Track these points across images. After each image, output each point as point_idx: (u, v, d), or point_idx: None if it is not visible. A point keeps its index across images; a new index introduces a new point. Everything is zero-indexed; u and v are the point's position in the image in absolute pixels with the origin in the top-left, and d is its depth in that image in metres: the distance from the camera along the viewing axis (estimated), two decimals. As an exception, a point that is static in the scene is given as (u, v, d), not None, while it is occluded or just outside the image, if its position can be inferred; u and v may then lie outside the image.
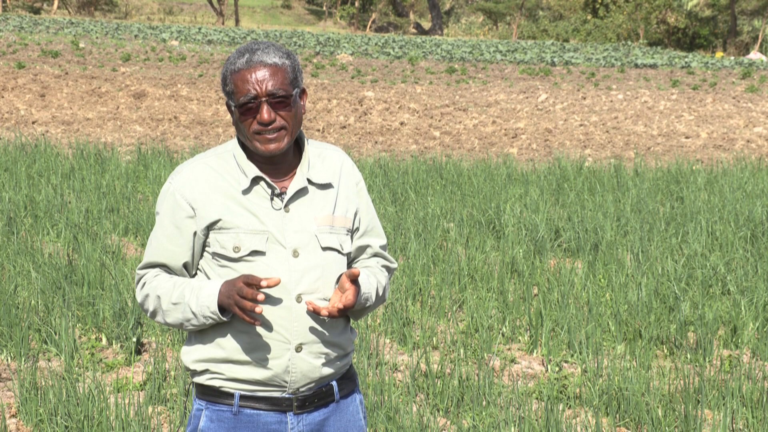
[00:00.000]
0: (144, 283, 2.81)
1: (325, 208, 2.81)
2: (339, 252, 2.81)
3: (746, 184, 12.26)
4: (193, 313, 2.70)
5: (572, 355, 6.29)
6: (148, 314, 2.81)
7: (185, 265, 2.79)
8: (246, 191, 2.76)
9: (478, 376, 5.56)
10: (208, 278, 2.78)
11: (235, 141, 2.84)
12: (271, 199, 2.77)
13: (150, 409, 5.12)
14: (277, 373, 2.74)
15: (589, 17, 73.49)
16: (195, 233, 2.77)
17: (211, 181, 2.77)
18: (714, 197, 11.18)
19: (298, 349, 2.74)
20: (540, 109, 22.90)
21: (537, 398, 5.57)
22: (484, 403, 5.36)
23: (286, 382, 2.76)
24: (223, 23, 73.26)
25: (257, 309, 2.60)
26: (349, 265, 2.90)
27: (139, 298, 2.82)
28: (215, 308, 2.68)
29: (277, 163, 2.80)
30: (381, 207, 10.19)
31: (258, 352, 2.74)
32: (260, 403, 2.77)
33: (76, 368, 5.75)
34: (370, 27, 78.08)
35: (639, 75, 36.25)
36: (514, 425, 5.00)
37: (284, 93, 2.72)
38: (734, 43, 70.38)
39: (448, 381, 5.53)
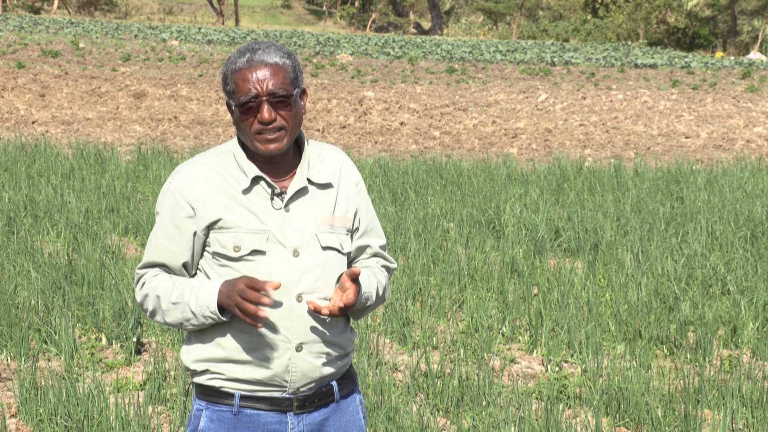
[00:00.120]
0: (143, 283, 2.81)
1: (325, 207, 2.81)
2: (339, 252, 2.81)
3: (746, 184, 12.26)
4: (193, 312, 2.70)
5: (572, 355, 6.29)
6: (148, 314, 2.82)
7: (185, 265, 2.79)
8: (246, 191, 2.77)
9: (478, 376, 5.56)
10: (208, 278, 2.78)
11: (235, 141, 2.84)
12: (272, 198, 2.77)
13: (150, 409, 5.12)
14: (278, 373, 2.74)
15: (589, 17, 73.50)
16: (195, 233, 2.77)
17: (211, 180, 2.77)
18: (714, 197, 11.18)
19: (299, 348, 2.74)
20: (540, 109, 22.90)
21: (537, 398, 5.57)
22: (484, 403, 5.36)
23: (287, 382, 2.76)
24: (223, 23, 73.26)
25: (261, 313, 2.60)
26: (349, 265, 2.90)
27: (138, 298, 2.83)
28: (215, 308, 2.68)
29: (277, 162, 2.80)
30: (381, 207, 10.19)
31: (258, 351, 2.73)
32: (260, 403, 2.77)
33: (76, 368, 5.75)
34: (370, 27, 78.07)
35: (639, 75, 36.25)
36: (514, 425, 4.99)
37: (285, 92, 2.72)
38: (734, 43, 70.38)
39: (448, 381, 5.53)
